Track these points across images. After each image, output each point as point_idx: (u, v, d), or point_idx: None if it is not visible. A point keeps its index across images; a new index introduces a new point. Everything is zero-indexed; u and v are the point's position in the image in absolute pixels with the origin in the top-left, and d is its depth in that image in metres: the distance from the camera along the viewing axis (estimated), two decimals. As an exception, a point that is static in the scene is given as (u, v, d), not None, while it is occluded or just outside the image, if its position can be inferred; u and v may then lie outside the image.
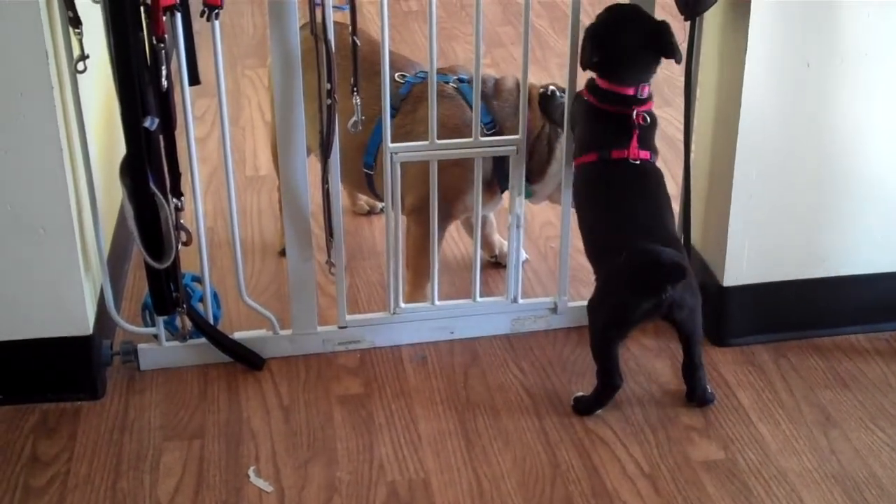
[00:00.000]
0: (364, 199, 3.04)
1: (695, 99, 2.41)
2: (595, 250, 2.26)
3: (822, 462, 2.15)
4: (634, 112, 2.22)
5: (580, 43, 2.29)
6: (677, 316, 2.18)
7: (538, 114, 2.48)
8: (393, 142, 2.33)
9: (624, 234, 2.20)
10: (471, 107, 2.43)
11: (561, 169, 2.46)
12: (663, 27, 2.23)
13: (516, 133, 2.40)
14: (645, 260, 2.13)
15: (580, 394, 2.30)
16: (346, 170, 2.59)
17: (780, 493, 2.07)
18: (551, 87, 2.49)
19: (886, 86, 2.33)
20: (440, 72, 2.57)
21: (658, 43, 2.23)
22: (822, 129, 2.35)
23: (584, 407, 2.28)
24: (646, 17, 2.28)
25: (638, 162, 2.23)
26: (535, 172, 2.50)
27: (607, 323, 2.21)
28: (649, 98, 2.27)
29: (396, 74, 2.55)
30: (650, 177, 2.26)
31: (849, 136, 2.36)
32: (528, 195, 2.53)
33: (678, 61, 2.25)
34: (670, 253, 2.14)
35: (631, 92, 2.25)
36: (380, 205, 2.99)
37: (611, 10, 2.28)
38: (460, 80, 2.53)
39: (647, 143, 2.26)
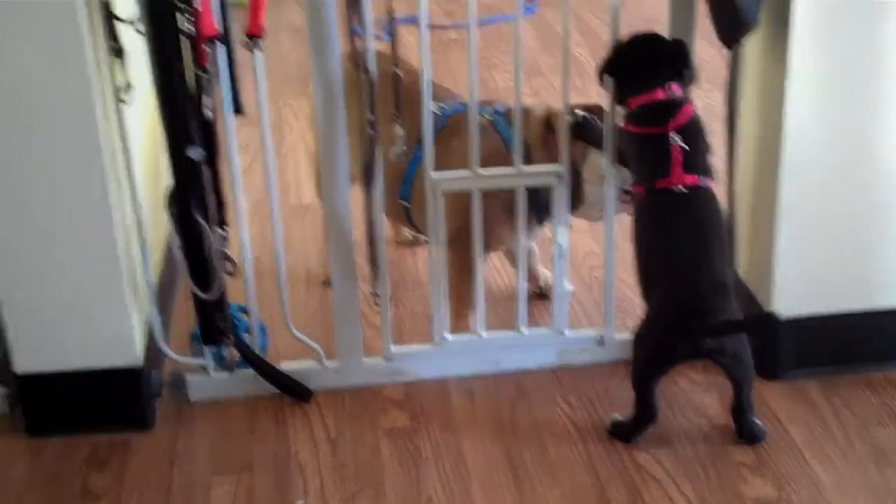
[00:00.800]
0: (408, 230, 3.04)
1: (737, 128, 2.39)
2: (644, 284, 2.24)
3: (878, 501, 2.11)
4: (671, 134, 2.15)
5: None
6: (720, 361, 2.17)
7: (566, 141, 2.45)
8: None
9: (667, 274, 2.17)
10: (504, 139, 2.43)
11: (600, 190, 2.43)
12: (681, 42, 2.24)
13: (544, 161, 2.40)
14: (682, 307, 2.11)
15: (618, 417, 2.29)
16: (385, 201, 2.60)
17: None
18: (582, 114, 2.44)
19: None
20: (482, 104, 2.57)
21: (676, 53, 2.23)
22: (866, 156, 2.32)
23: (621, 433, 2.26)
24: (662, 37, 2.26)
25: (686, 191, 2.16)
26: (573, 198, 2.48)
27: (647, 358, 2.19)
28: (686, 101, 2.20)
29: (435, 106, 2.56)
30: (700, 208, 2.18)
31: (895, 162, 2.33)
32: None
33: (691, 79, 2.24)
34: (710, 302, 2.10)
35: (661, 96, 2.20)
36: (423, 236, 2.98)
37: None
38: (496, 112, 2.52)
39: (695, 164, 2.17)
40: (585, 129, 2.43)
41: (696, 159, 2.18)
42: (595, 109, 2.43)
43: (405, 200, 2.56)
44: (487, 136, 2.47)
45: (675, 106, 2.20)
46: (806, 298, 2.42)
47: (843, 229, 2.38)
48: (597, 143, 2.41)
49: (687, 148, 2.16)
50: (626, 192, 2.39)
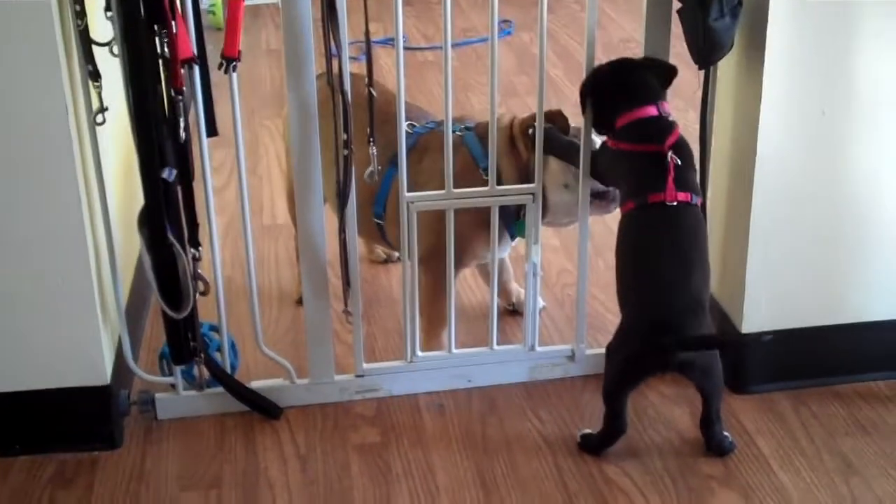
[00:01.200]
0: (381, 248, 3.05)
1: (710, 147, 2.42)
2: (621, 295, 2.24)
3: (844, 511, 2.13)
4: (669, 153, 2.17)
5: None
6: (690, 374, 2.18)
7: (522, 137, 2.46)
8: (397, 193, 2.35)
9: (646, 288, 2.18)
10: (472, 154, 2.45)
11: (564, 196, 2.45)
12: (670, 65, 2.27)
13: (512, 173, 2.42)
14: (657, 321, 2.12)
15: (587, 431, 2.29)
16: (359, 220, 2.61)
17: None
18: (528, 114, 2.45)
19: (902, 133, 2.33)
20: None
21: (658, 67, 2.26)
22: (838, 177, 2.35)
23: (590, 445, 2.28)
24: (653, 58, 2.30)
25: (675, 204, 2.16)
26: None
27: (620, 369, 2.20)
28: (675, 124, 2.22)
29: (406, 124, 2.57)
30: (686, 225, 2.18)
31: (865, 182, 2.36)
32: (521, 234, 2.51)
33: (670, 78, 2.25)
34: (684, 318, 2.11)
35: (654, 111, 2.22)
36: (396, 253, 2.99)
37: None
38: (466, 128, 2.54)
39: (686, 182, 2.19)
40: (550, 132, 2.43)
41: (686, 176, 2.20)
42: (554, 116, 2.44)
43: (379, 219, 2.57)
44: (457, 151, 2.48)
45: (669, 123, 2.22)
46: (776, 313, 2.44)
47: (813, 248, 2.40)
48: (556, 151, 2.42)
49: (680, 164, 2.18)
50: (597, 195, 2.41)
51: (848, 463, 2.26)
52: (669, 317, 2.12)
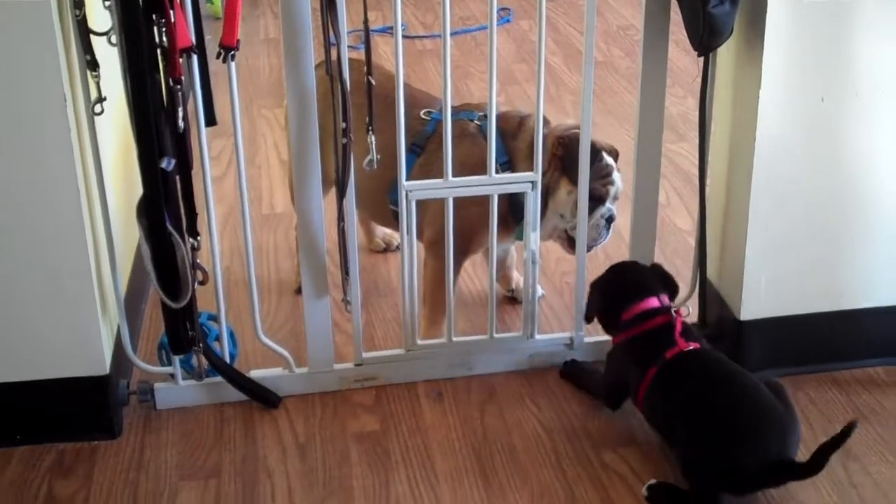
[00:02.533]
0: (380, 237, 3.05)
1: (709, 134, 2.42)
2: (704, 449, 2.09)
3: (842, 496, 2.13)
4: (674, 313, 2.25)
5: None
6: None
7: (548, 154, 2.47)
8: (417, 180, 2.34)
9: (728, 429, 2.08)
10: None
11: (556, 220, 2.50)
12: (661, 267, 2.39)
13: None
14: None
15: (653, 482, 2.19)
16: (374, 206, 2.61)
17: (800, 528, 2.06)
18: (573, 131, 2.46)
19: (900, 119, 2.33)
20: (467, 109, 2.59)
21: (661, 275, 2.34)
22: (837, 163, 2.35)
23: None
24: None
25: (691, 349, 2.19)
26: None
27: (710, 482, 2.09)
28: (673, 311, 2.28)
29: (422, 112, 2.57)
30: (714, 359, 2.21)
31: (864, 168, 2.36)
32: (519, 238, 2.53)
33: (674, 295, 2.33)
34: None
35: (656, 303, 2.27)
36: (395, 242, 3.00)
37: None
38: (484, 117, 2.53)
39: (693, 337, 2.23)
40: (568, 157, 2.44)
41: (692, 334, 2.25)
42: (611, 150, 2.52)
43: (396, 205, 2.57)
44: (476, 142, 2.48)
45: (667, 311, 2.26)
46: (775, 300, 2.44)
47: (812, 234, 2.40)
48: (574, 175, 2.42)
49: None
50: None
51: (846, 448, 2.24)
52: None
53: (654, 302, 2.28)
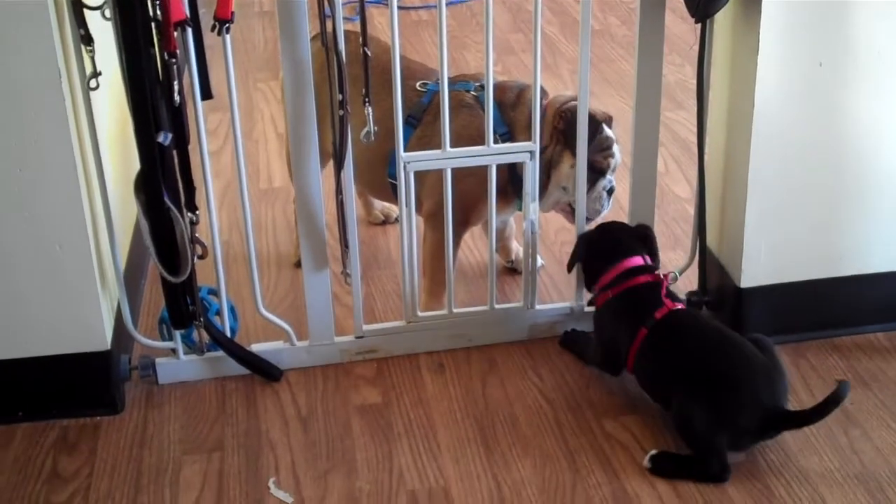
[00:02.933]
0: (379, 209, 3.04)
1: (707, 101, 2.41)
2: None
3: (843, 462, 2.14)
4: (660, 277, 2.28)
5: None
6: None
7: (549, 127, 2.47)
8: (414, 152, 2.34)
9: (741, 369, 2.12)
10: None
11: (559, 193, 2.50)
12: (649, 229, 2.42)
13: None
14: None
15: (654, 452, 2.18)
16: (372, 180, 2.61)
17: (803, 493, 2.06)
18: (573, 104, 2.45)
19: (899, 83, 2.32)
20: (464, 79, 2.58)
21: (644, 238, 2.38)
22: (836, 128, 2.34)
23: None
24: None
25: (677, 308, 2.23)
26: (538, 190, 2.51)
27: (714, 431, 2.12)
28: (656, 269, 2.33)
29: (418, 83, 2.56)
30: (701, 318, 2.28)
31: (863, 134, 2.36)
32: (521, 209, 2.53)
33: (656, 264, 2.36)
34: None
35: (640, 261, 2.31)
36: (394, 214, 2.99)
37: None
38: (482, 88, 2.52)
39: (676, 298, 2.29)
40: (570, 130, 2.43)
41: (676, 296, 2.30)
42: (606, 118, 2.51)
43: (394, 178, 2.56)
44: (473, 113, 2.47)
45: (651, 269, 2.32)
46: (774, 267, 2.44)
47: (811, 200, 2.40)
48: (571, 143, 2.42)
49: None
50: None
51: (847, 414, 2.27)
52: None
53: (637, 260, 2.31)
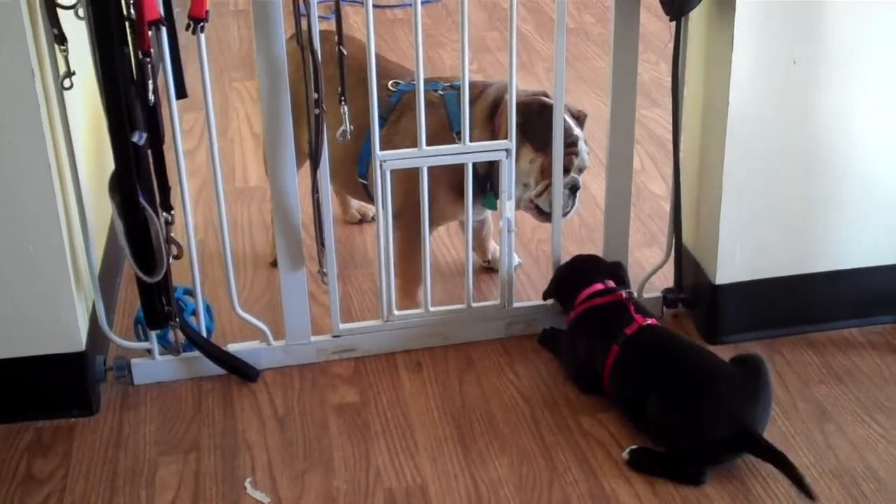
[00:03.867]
0: (356, 208, 3.04)
1: (682, 98, 2.42)
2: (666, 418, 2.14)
3: (819, 457, 2.15)
4: (624, 295, 2.32)
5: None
6: None
7: (505, 127, 2.46)
8: (380, 151, 2.34)
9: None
10: (450, 117, 2.44)
11: (520, 190, 2.49)
12: (619, 265, 2.48)
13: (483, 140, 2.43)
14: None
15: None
16: (344, 179, 2.61)
17: (779, 490, 2.07)
18: (532, 98, 2.45)
19: (873, 81, 2.34)
20: (435, 80, 2.58)
21: (614, 272, 2.43)
22: (810, 125, 2.36)
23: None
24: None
25: (647, 323, 2.25)
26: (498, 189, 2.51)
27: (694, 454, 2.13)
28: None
29: (390, 83, 2.56)
30: (673, 334, 2.31)
31: (837, 131, 2.37)
32: (493, 207, 2.53)
33: (629, 288, 2.40)
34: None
35: (601, 287, 2.36)
36: (371, 213, 2.99)
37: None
38: (453, 88, 2.52)
39: (648, 313, 2.31)
40: (527, 123, 2.42)
41: (644, 310, 2.33)
42: (578, 115, 2.51)
43: (363, 178, 2.56)
44: (435, 111, 2.47)
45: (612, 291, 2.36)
46: (749, 264, 2.45)
47: (786, 197, 2.41)
48: (536, 142, 2.42)
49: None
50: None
51: (822, 410, 2.29)
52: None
53: (598, 286, 2.36)
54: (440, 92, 2.52)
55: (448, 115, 2.47)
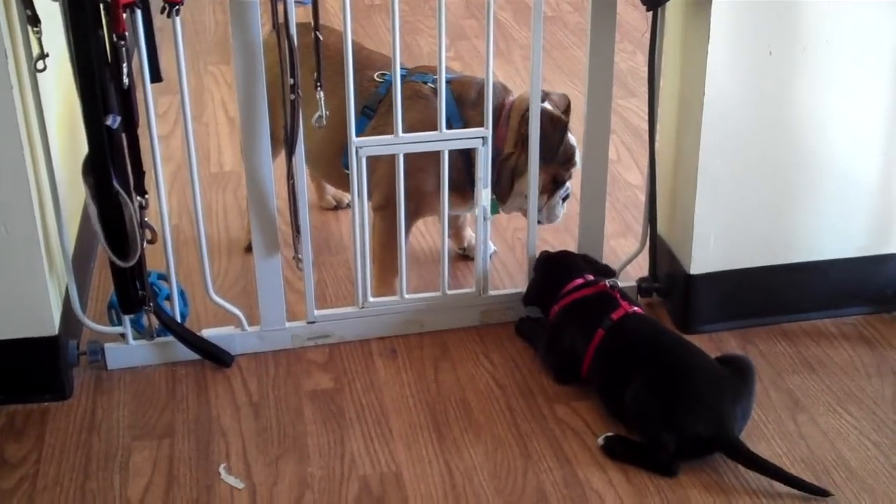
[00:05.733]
0: (331, 195, 3.03)
1: (658, 89, 2.42)
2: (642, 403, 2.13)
3: (791, 446, 2.17)
4: (608, 284, 2.32)
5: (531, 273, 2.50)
6: None
7: (514, 134, 2.47)
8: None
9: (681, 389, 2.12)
10: (446, 114, 2.44)
11: (521, 200, 2.51)
12: (591, 258, 2.51)
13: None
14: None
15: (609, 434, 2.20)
16: (328, 169, 2.60)
17: (751, 477, 2.08)
18: (554, 114, 2.47)
19: (847, 73, 2.35)
20: (424, 71, 2.57)
21: (589, 262, 2.45)
22: (784, 117, 2.37)
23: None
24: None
25: (634, 310, 2.26)
26: (500, 195, 2.51)
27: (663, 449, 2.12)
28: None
29: (376, 74, 2.54)
30: (656, 322, 2.34)
31: (811, 123, 2.38)
32: (495, 211, 2.53)
33: (610, 275, 2.41)
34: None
35: (580, 281, 2.36)
36: (346, 199, 2.98)
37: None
38: (449, 83, 2.51)
39: (634, 303, 2.31)
40: (540, 137, 2.42)
41: (629, 298, 2.33)
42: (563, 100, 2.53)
43: (348, 169, 2.55)
44: (429, 104, 2.46)
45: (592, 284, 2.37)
46: (724, 254, 2.46)
47: (760, 188, 2.42)
48: (544, 155, 2.43)
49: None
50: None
51: (795, 400, 2.30)
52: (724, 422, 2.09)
53: (579, 281, 2.37)
54: (430, 84, 2.50)
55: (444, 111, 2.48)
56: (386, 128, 2.44)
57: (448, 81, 2.47)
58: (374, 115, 2.50)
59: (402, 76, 2.46)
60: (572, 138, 2.52)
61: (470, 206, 2.58)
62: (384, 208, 2.48)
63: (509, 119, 2.47)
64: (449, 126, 2.38)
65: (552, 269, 2.45)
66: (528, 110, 2.42)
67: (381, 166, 2.42)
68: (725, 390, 2.11)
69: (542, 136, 2.41)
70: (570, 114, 2.55)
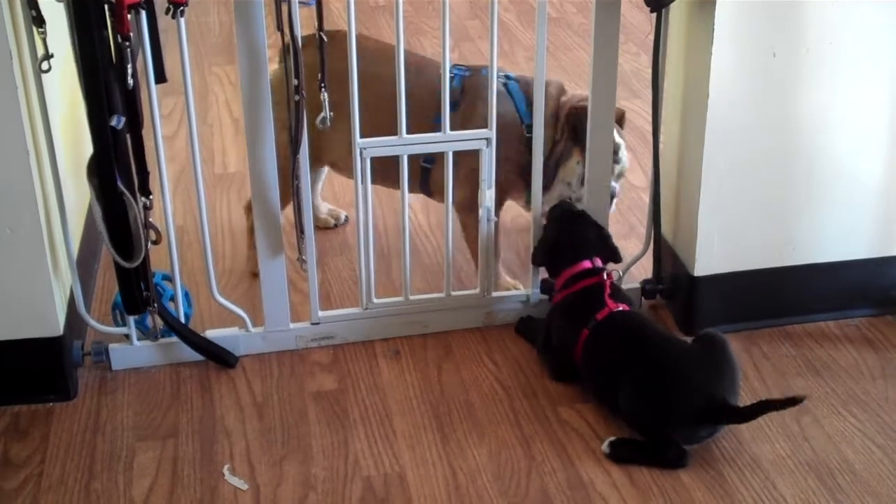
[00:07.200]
0: (326, 214, 2.97)
1: (662, 90, 2.42)
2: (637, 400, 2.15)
3: (795, 449, 2.17)
4: (605, 276, 2.31)
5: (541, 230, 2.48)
6: None
7: (558, 129, 2.51)
8: (455, 129, 2.37)
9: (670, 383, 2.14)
10: (518, 111, 2.49)
11: (563, 188, 2.54)
12: (606, 232, 2.44)
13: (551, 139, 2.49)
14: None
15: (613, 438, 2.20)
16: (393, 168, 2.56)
17: (755, 480, 2.08)
18: (585, 102, 2.47)
19: (852, 75, 2.35)
20: (478, 67, 2.60)
21: (602, 240, 2.41)
22: (789, 118, 2.37)
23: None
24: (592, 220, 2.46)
25: (619, 309, 2.26)
26: (545, 184, 2.51)
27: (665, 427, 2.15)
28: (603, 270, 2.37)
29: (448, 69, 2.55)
30: (642, 319, 2.32)
31: (815, 124, 2.38)
32: (528, 201, 2.55)
33: (617, 261, 2.39)
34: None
35: (588, 265, 2.34)
36: (343, 216, 2.96)
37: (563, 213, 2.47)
38: (507, 78, 2.56)
39: (622, 298, 2.31)
40: (581, 127, 2.46)
41: (620, 295, 2.33)
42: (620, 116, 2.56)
43: (428, 163, 2.56)
44: (502, 103, 2.47)
45: (597, 272, 2.35)
46: (728, 256, 2.46)
47: (764, 190, 2.42)
48: (584, 146, 2.44)
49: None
50: None
51: (799, 402, 2.30)
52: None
53: (586, 264, 2.34)
54: (501, 81, 2.52)
55: (516, 108, 2.49)
56: (464, 122, 2.45)
57: (511, 78, 2.54)
58: (458, 105, 2.51)
59: (470, 73, 2.54)
60: (617, 137, 2.52)
61: (522, 203, 2.63)
62: (469, 207, 2.51)
63: (558, 106, 2.53)
64: (522, 121, 2.46)
65: (564, 238, 2.41)
66: (577, 103, 2.49)
67: (464, 167, 2.43)
68: (707, 365, 2.12)
69: (584, 126, 2.44)
70: (623, 121, 2.61)
